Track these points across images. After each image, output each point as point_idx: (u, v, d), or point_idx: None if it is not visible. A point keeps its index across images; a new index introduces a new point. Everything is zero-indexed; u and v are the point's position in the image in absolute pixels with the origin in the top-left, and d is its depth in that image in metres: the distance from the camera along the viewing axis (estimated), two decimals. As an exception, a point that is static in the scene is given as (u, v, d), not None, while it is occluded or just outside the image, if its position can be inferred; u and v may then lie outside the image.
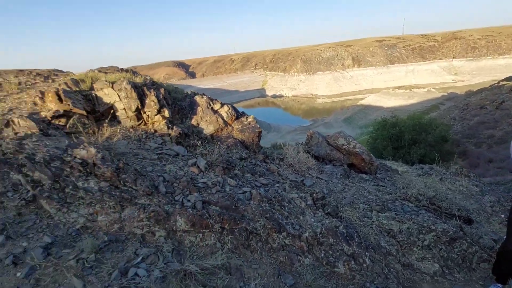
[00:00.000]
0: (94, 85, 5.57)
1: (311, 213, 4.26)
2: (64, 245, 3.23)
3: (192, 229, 3.57)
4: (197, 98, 6.56)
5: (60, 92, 5.03)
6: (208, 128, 6.19)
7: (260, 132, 6.82)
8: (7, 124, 4.55)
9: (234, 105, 7.69)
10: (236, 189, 4.40)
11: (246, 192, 4.34)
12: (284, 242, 3.75)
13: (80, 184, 3.71)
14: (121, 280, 2.88)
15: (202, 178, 4.51)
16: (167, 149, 5.10)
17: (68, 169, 3.79)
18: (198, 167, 4.75)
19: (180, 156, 5.08)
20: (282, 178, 5.42)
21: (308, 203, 4.43)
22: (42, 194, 3.60)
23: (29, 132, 4.42)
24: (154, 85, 6.28)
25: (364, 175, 6.90)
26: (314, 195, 4.60)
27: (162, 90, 5.85)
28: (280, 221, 3.87)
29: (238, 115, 6.83)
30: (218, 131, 6.33)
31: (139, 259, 3.16)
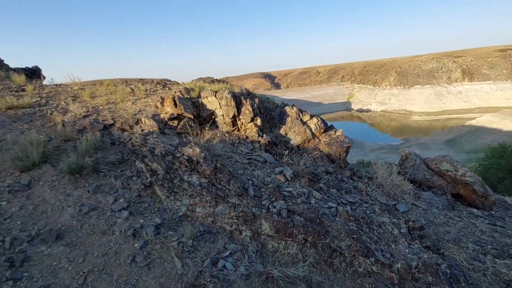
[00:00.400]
0: (202, 94, 6.41)
1: (405, 242, 3.82)
2: (169, 228, 3.78)
3: (276, 235, 3.68)
4: (287, 108, 6.78)
5: (176, 98, 5.97)
6: (295, 139, 6.31)
7: (348, 147, 6.54)
8: (137, 122, 5.66)
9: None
10: (321, 203, 4.33)
11: (332, 207, 4.22)
12: (371, 268, 3.47)
13: (185, 177, 4.30)
14: (212, 268, 3.19)
15: (287, 187, 4.62)
16: (256, 155, 5.42)
17: (177, 164, 4.45)
18: (284, 175, 4.88)
19: (267, 163, 5.33)
20: (371, 198, 5.05)
21: (402, 231, 3.99)
22: (157, 182, 4.33)
23: (151, 130, 5.39)
24: (249, 95, 6.80)
25: (474, 210, 5.78)
26: (410, 223, 4.12)
27: (256, 100, 6.29)
28: (368, 244, 3.61)
29: (327, 128, 6.73)
30: (305, 142, 6.38)
31: (227, 253, 3.44)
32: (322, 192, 4.76)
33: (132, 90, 8.01)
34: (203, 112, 6.29)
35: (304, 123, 6.62)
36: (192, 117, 5.93)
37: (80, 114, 5.83)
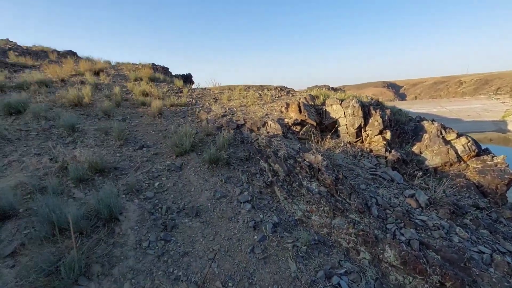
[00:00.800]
0: (326, 101, 6.33)
1: None
2: (285, 229, 3.88)
3: (402, 267, 3.18)
4: (425, 123, 5.81)
5: (301, 105, 6.12)
6: (433, 160, 5.32)
7: (511, 180, 5.00)
8: (264, 124, 6.12)
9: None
10: (468, 244, 3.46)
11: (483, 253, 3.30)
12: None
13: (304, 183, 4.32)
14: (326, 282, 3.05)
15: (420, 214, 3.93)
16: (381, 172, 4.89)
17: (298, 168, 4.53)
18: (416, 200, 4.18)
19: (395, 183, 4.71)
20: (548, 256, 3.66)
21: None
22: (277, 182, 4.54)
23: (276, 133, 5.71)
24: (379, 105, 6.23)
25: None
26: None
27: (388, 112, 5.69)
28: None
29: (480, 151, 5.35)
30: (445, 166, 5.29)
31: (342, 270, 3.22)
32: (468, 231, 3.80)
33: (260, 95, 8.79)
34: (326, 120, 6.19)
35: (447, 142, 5.50)
36: (314, 124, 5.94)
37: (219, 114, 6.83)
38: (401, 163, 5.26)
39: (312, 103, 6.44)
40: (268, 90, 10.97)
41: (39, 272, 2.69)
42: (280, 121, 6.10)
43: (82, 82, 8.76)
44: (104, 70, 10.91)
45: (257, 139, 5.74)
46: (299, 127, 5.89)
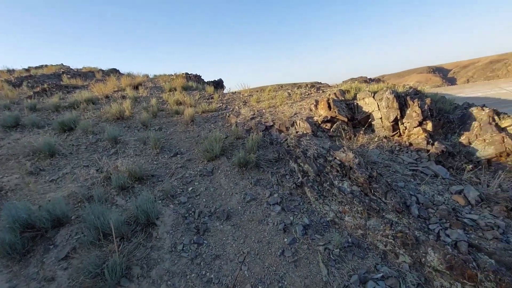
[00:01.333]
0: (358, 95, 6.02)
1: None
2: (316, 231, 3.77)
3: (448, 272, 2.88)
4: (474, 110, 5.18)
5: (330, 101, 5.90)
6: (485, 150, 4.73)
7: None
8: (292, 124, 6.03)
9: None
10: (530, 246, 3.01)
11: (551, 256, 2.84)
12: None
13: (336, 182, 4.15)
14: (360, 287, 2.90)
15: (470, 213, 3.52)
16: (423, 167, 4.49)
17: (328, 167, 4.37)
18: (465, 197, 3.76)
19: (439, 178, 4.29)
20: None
21: None
22: (307, 183, 4.43)
23: (305, 132, 5.59)
24: (417, 94, 5.74)
25: None
26: None
27: (427, 101, 5.21)
28: None
29: (544, 138, 4.62)
30: (501, 156, 4.66)
31: (379, 275, 3.02)
32: (532, 231, 3.31)
33: (289, 94, 8.67)
34: (358, 115, 5.89)
35: (501, 129, 4.84)
36: (346, 120, 5.68)
37: (248, 117, 6.89)
38: (446, 156, 4.77)
39: (343, 98, 6.17)
40: (298, 88, 10.79)
41: (87, 274, 2.96)
42: (309, 119, 5.95)
43: (123, 97, 9.50)
44: (143, 84, 11.70)
45: (286, 139, 5.67)
46: (329, 124, 5.68)
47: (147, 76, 15.61)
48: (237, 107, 8.06)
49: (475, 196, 3.69)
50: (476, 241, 3.05)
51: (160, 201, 4.30)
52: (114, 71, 15.86)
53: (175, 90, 10.50)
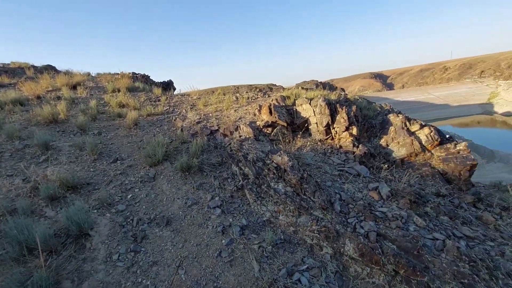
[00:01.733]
0: (296, 101, 6.50)
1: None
2: (253, 230, 4.03)
3: (360, 259, 3.35)
4: (391, 116, 6.01)
5: (272, 107, 6.27)
6: (399, 151, 5.52)
7: (473, 166, 5.22)
8: (236, 129, 6.25)
9: (442, 122, 6.33)
10: (423, 232, 3.65)
11: (437, 239, 3.50)
12: (488, 329, 2.68)
13: (272, 184, 4.47)
14: (287, 279, 3.21)
15: (381, 206, 4.12)
16: (348, 167, 5.07)
17: (266, 170, 4.68)
18: (379, 193, 4.37)
19: (361, 177, 4.90)
20: (501, 236, 3.88)
21: (548, 290, 2.89)
22: (247, 186, 4.68)
23: (248, 136, 5.85)
24: (347, 102, 6.41)
25: None
26: None
27: (354, 108, 5.87)
28: (486, 296, 2.80)
29: (443, 140, 5.57)
30: (411, 156, 5.49)
31: (304, 267, 3.38)
32: (427, 219, 4.01)
33: (237, 98, 8.91)
34: (297, 120, 6.35)
35: (411, 133, 5.71)
36: (285, 124, 6.09)
37: (194, 121, 6.93)
38: (369, 157, 5.45)
39: (283, 104, 6.59)
40: (247, 92, 11.10)
41: (8, 292, 2.77)
42: (252, 124, 6.23)
43: (58, 98, 8.76)
44: (82, 83, 10.89)
45: (230, 143, 5.87)
46: (270, 129, 6.04)
47: (89, 74, 14.50)
48: (184, 111, 8.02)
49: (386, 192, 4.32)
50: (383, 231, 3.60)
51: (95, 211, 4.15)
52: (50, 68, 14.39)
53: (119, 91, 10.00)
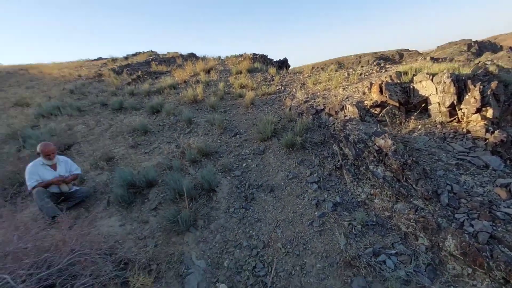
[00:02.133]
0: (415, 78, 5.80)
1: None
2: (345, 208, 4.25)
3: (462, 258, 3.09)
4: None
5: (383, 85, 5.87)
6: (559, 141, 4.16)
7: None
8: (342, 108, 6.26)
9: None
10: None
11: None
12: None
13: (371, 167, 4.45)
14: (371, 258, 3.37)
15: (508, 207, 3.45)
16: (473, 156, 4.33)
17: (366, 153, 4.66)
18: (509, 191, 3.63)
19: (489, 170, 4.13)
20: None
21: None
22: (345, 166, 4.83)
23: (353, 117, 5.80)
24: (487, 75, 5.21)
25: None
26: None
27: (493, 84, 4.74)
28: None
29: None
30: None
31: (393, 251, 3.42)
32: None
33: (348, 74, 8.61)
34: (414, 99, 5.72)
35: None
36: (397, 104, 5.63)
37: (302, 100, 7.34)
38: (508, 146, 4.43)
39: (399, 81, 6.02)
40: (362, 67, 10.43)
41: (168, 221, 4.20)
42: (359, 103, 6.08)
43: (198, 81, 10.97)
44: (214, 68, 13.05)
45: (334, 123, 6.00)
46: (378, 109, 5.73)
47: (219, 58, 17.03)
48: (294, 90, 8.52)
49: (521, 191, 3.54)
50: (501, 234, 3.10)
51: (220, 173, 5.37)
52: (192, 56, 17.82)
53: (241, 73, 11.46)
